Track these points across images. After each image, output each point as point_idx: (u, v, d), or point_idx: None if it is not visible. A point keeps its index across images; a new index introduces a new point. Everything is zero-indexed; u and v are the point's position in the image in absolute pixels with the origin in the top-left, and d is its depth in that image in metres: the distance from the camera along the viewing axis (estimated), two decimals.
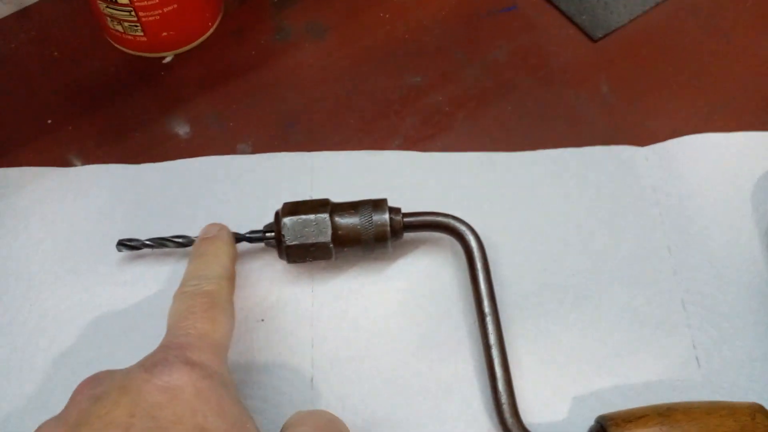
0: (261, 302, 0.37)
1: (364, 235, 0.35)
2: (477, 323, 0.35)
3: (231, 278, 0.33)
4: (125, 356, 0.29)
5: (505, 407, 0.33)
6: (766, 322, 0.36)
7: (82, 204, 0.40)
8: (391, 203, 0.36)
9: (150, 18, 0.43)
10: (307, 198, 0.36)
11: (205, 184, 0.40)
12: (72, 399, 0.27)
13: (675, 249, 0.38)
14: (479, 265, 0.35)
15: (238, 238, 0.36)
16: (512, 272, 0.38)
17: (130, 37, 0.44)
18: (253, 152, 0.42)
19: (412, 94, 0.45)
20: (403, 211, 0.36)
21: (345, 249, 0.35)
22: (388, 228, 0.35)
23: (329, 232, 0.34)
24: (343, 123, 0.43)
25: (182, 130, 0.43)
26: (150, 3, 0.42)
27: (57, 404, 0.27)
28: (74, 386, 0.28)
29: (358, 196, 0.36)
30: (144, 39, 0.44)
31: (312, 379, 0.35)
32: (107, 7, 0.42)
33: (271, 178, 0.41)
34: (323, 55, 0.46)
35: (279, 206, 0.36)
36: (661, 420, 0.31)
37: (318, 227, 0.34)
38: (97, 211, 0.40)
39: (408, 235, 0.37)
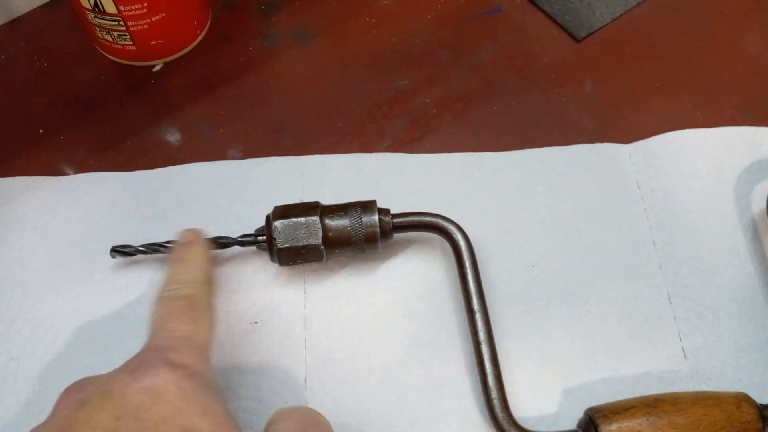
0: (254, 305, 0.37)
1: (354, 236, 0.35)
2: (467, 321, 0.35)
3: (209, 281, 0.34)
4: (121, 362, 0.29)
5: (496, 402, 0.33)
6: (751, 313, 0.37)
7: (75, 212, 0.40)
8: (380, 204, 0.37)
9: (138, 27, 0.43)
10: (298, 201, 0.37)
11: (197, 189, 0.41)
12: (56, 406, 0.27)
13: (660, 244, 0.39)
14: (468, 263, 0.36)
15: (230, 242, 0.37)
16: (501, 270, 0.38)
17: (119, 46, 0.45)
18: (244, 157, 0.42)
19: (400, 96, 0.45)
20: (393, 212, 0.36)
21: (336, 251, 0.36)
22: (378, 229, 0.35)
23: (320, 234, 0.35)
24: (331, 126, 0.44)
25: (173, 137, 0.44)
26: (138, 12, 0.42)
27: None
28: None
29: (347, 199, 0.37)
30: (133, 48, 0.45)
31: (306, 380, 0.35)
32: (96, 17, 0.42)
33: (261, 182, 0.41)
34: (311, 60, 0.47)
35: (270, 210, 0.36)
36: (649, 411, 0.31)
37: (309, 230, 0.35)
38: (90, 218, 0.40)
39: (398, 236, 0.38)
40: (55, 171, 0.42)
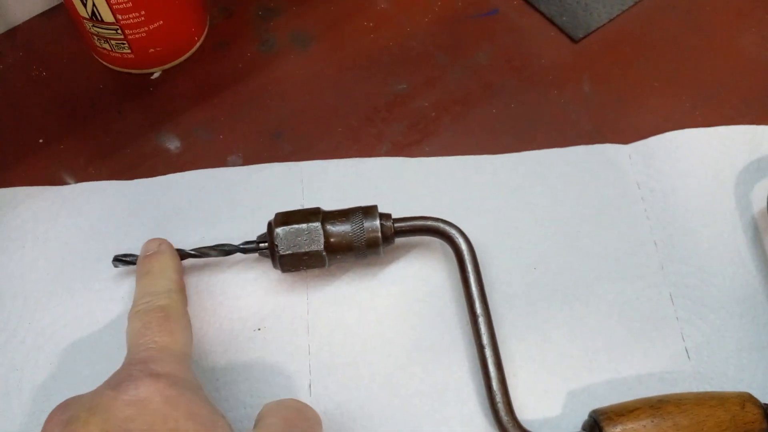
0: (257, 312, 0.37)
1: (356, 242, 0.35)
2: (469, 324, 0.35)
3: (180, 290, 0.34)
4: None
5: (500, 405, 0.33)
6: (753, 312, 0.37)
7: (76, 221, 0.40)
8: (381, 209, 0.37)
9: (136, 35, 0.43)
10: (299, 207, 0.37)
11: (197, 197, 0.41)
12: (44, 429, 0.27)
13: (661, 244, 0.39)
14: (470, 266, 0.36)
15: (232, 249, 0.37)
16: (502, 272, 0.38)
17: (117, 54, 0.45)
18: (244, 164, 0.42)
19: (398, 100, 0.45)
20: (394, 216, 0.36)
21: (338, 256, 0.36)
22: (380, 234, 0.35)
23: (321, 240, 0.35)
24: (330, 131, 0.44)
25: (172, 144, 0.44)
26: (136, 21, 0.42)
27: None
28: None
29: (348, 204, 0.37)
30: (131, 56, 0.45)
31: (310, 386, 0.35)
32: (93, 26, 0.42)
33: (262, 188, 0.41)
34: (309, 64, 0.47)
35: (271, 216, 0.36)
36: (653, 412, 0.31)
37: (310, 236, 0.35)
38: (90, 228, 0.40)
39: (399, 240, 0.38)
40: (54, 180, 0.42)
